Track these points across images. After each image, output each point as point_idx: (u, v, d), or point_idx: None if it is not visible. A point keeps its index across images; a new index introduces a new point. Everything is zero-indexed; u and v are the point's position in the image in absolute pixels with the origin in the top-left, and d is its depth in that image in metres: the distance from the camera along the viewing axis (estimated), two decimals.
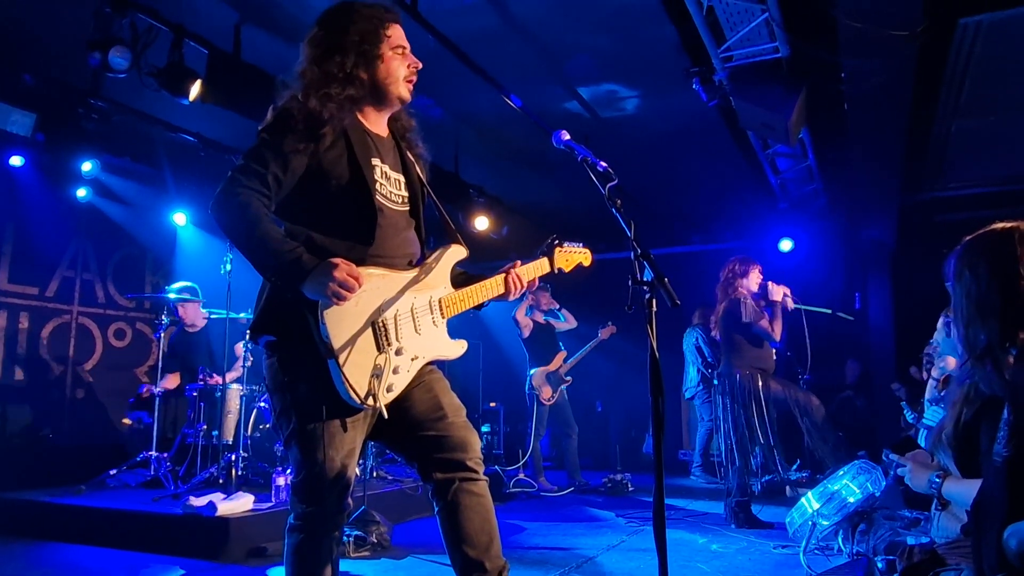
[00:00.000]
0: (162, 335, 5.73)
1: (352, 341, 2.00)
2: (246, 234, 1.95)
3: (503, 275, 2.40)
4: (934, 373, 3.57)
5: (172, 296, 5.82)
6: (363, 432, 2.14)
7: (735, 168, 7.48)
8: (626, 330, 7.21)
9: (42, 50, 5.16)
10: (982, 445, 2.02)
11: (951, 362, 3.63)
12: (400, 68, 2.19)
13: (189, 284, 6.02)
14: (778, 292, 5.12)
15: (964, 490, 2.14)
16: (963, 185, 7.98)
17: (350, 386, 1.97)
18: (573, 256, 2.63)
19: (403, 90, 2.21)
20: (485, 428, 8.71)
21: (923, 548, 2.12)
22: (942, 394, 3.81)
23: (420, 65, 2.24)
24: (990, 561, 1.62)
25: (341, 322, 1.99)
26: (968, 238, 1.84)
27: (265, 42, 4.89)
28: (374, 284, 2.05)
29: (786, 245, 8.61)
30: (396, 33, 2.19)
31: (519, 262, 2.45)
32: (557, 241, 2.58)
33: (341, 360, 1.97)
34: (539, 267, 2.51)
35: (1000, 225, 1.79)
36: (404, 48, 2.21)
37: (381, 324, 2.08)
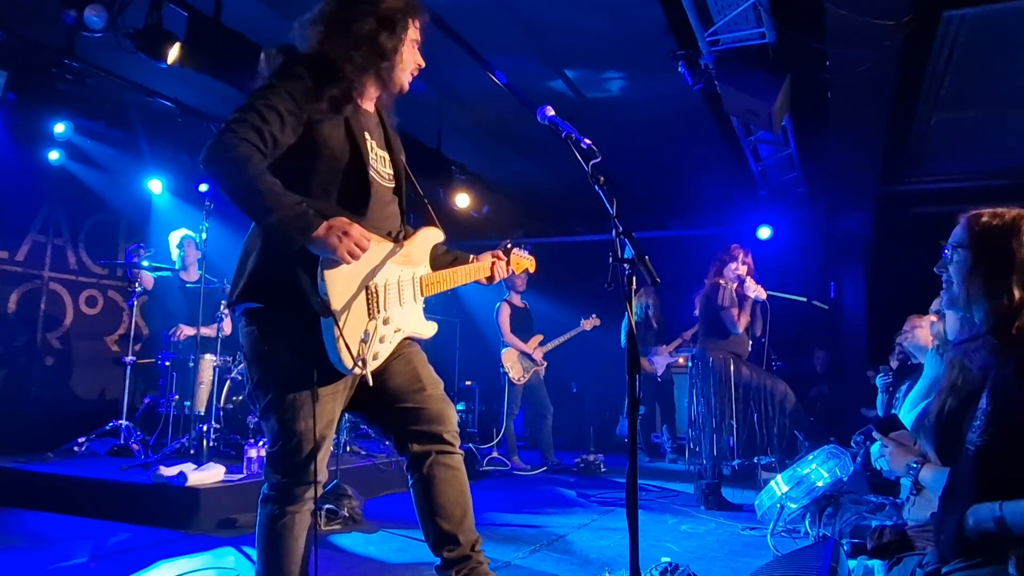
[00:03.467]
0: (135, 303, 5.64)
1: (347, 303, 2.00)
2: (247, 186, 1.87)
3: (491, 262, 2.55)
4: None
5: (145, 264, 5.73)
6: (342, 403, 2.13)
7: (717, 153, 7.50)
8: (603, 313, 7.23)
9: (15, 5, 5.00)
10: (965, 435, 2.05)
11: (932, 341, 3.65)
12: (411, 59, 2.21)
13: (191, 233, 5.97)
14: (752, 290, 5.19)
15: (941, 478, 2.17)
16: (941, 179, 8.07)
17: (345, 346, 1.95)
18: (522, 261, 2.81)
19: (405, 80, 2.23)
20: (460, 406, 8.71)
21: (894, 529, 2.16)
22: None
23: (424, 64, 2.26)
24: (950, 543, 1.65)
25: (339, 282, 1.98)
26: (979, 214, 1.79)
27: (247, 7, 4.78)
28: (371, 250, 2.03)
29: (764, 232, 8.66)
30: (416, 28, 2.21)
31: (500, 252, 2.60)
32: (511, 245, 2.72)
33: (338, 320, 1.95)
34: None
35: (1015, 211, 1.75)
36: (418, 43, 2.23)
37: (374, 289, 2.08)
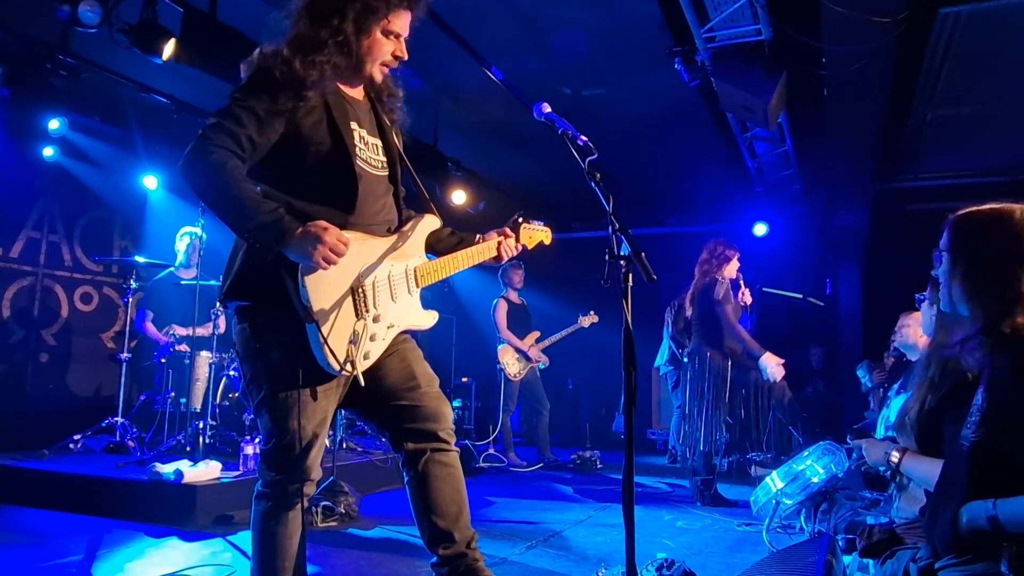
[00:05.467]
0: (130, 300, 5.63)
1: (332, 306, 1.99)
2: (222, 194, 1.88)
3: (496, 241, 2.46)
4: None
5: (141, 260, 5.71)
6: (335, 401, 2.12)
7: (713, 150, 7.49)
8: (603, 309, 7.22)
9: (8, 1, 4.98)
10: (946, 432, 2.05)
11: (922, 339, 3.69)
12: (383, 52, 2.13)
13: (197, 230, 5.95)
14: (747, 297, 5.26)
15: (923, 467, 2.18)
16: (936, 176, 8.08)
17: (330, 351, 1.95)
18: (536, 234, 2.69)
19: (376, 71, 2.15)
20: (456, 403, 8.72)
21: (882, 528, 2.17)
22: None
23: (406, 57, 2.18)
24: (944, 539, 1.66)
25: (321, 286, 1.96)
26: (967, 212, 1.79)
27: (242, 2, 4.76)
28: (354, 249, 2.02)
29: (760, 229, 8.68)
30: (398, 20, 2.12)
31: (507, 230, 2.52)
32: (522, 218, 2.62)
33: (321, 325, 1.95)
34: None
35: (1000, 205, 1.75)
36: (399, 36, 2.14)
37: (360, 290, 2.07)
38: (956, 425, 1.99)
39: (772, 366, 4.92)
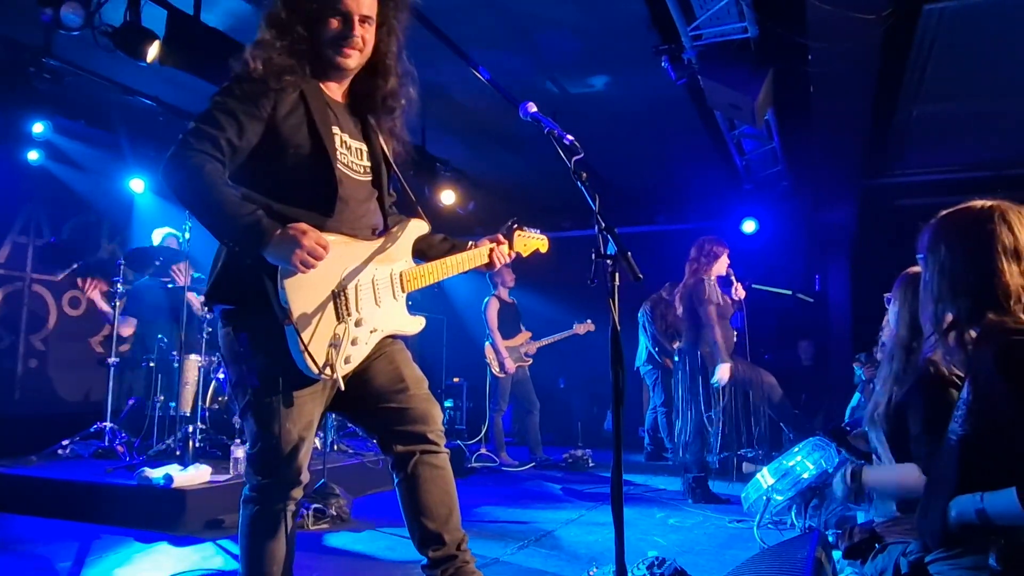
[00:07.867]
0: (117, 304, 5.59)
1: (311, 309, 1.97)
2: (201, 198, 1.88)
3: (488, 248, 2.43)
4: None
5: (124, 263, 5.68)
6: (321, 404, 2.11)
7: (701, 148, 7.51)
8: (591, 308, 7.22)
9: None
10: (911, 426, 2.06)
11: None
12: (328, 30, 2.04)
13: (174, 231, 5.90)
14: (740, 292, 5.28)
15: (884, 476, 2.18)
16: (923, 171, 8.13)
17: (308, 355, 1.94)
18: (531, 242, 2.65)
19: (334, 56, 2.07)
20: (448, 403, 8.72)
21: (863, 528, 2.18)
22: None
23: (355, 36, 2.06)
24: (933, 533, 1.66)
25: (301, 289, 1.95)
26: (946, 212, 1.80)
27: (227, 3, 4.75)
28: (336, 252, 2.01)
29: (749, 226, 8.71)
30: (350, 2, 2.05)
31: (500, 236, 2.49)
32: (517, 225, 2.58)
33: (300, 328, 1.93)
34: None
35: (980, 202, 1.76)
36: (348, 15, 2.04)
37: (342, 294, 2.05)
38: (923, 420, 2.00)
39: (722, 376, 4.93)
